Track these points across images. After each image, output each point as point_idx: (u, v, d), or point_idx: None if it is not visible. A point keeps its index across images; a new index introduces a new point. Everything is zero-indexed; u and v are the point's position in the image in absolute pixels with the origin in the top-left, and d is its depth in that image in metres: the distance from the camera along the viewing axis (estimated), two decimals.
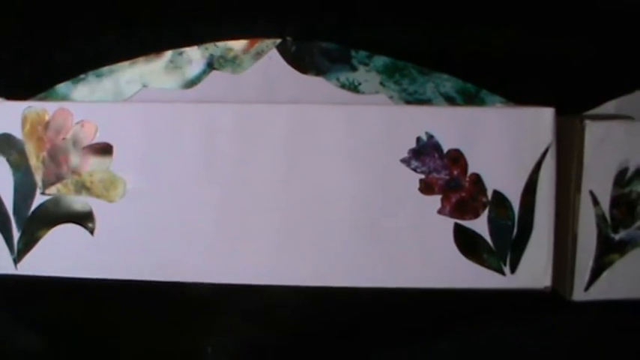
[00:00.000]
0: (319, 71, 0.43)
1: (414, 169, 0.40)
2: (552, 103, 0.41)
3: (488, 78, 0.43)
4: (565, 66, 0.44)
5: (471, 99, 0.43)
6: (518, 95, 0.43)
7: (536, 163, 0.40)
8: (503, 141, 0.40)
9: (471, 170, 0.40)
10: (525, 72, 0.44)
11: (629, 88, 0.43)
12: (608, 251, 0.41)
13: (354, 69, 0.43)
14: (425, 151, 0.40)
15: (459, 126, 0.40)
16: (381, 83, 0.43)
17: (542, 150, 0.40)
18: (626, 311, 0.42)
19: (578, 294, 0.41)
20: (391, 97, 0.43)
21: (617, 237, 0.41)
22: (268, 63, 0.43)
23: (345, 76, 0.43)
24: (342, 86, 0.43)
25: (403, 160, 0.40)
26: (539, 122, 0.40)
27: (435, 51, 0.44)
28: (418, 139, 0.40)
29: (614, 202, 0.41)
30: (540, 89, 0.44)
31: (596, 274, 0.41)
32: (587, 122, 0.40)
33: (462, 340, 0.42)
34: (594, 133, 0.40)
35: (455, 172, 0.40)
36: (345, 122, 0.40)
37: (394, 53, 0.43)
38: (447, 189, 0.40)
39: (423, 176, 0.40)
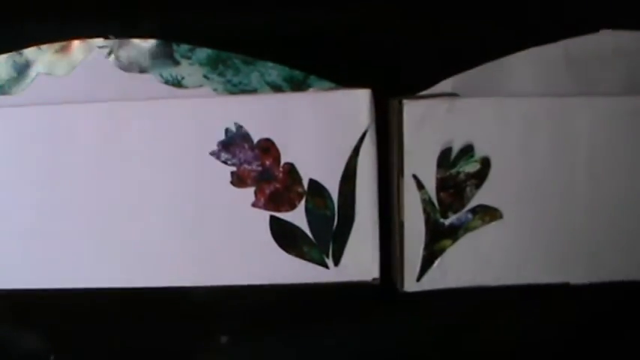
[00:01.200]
0: (142, 68, 0.42)
1: (225, 162, 0.38)
2: (386, 85, 0.39)
3: (319, 63, 0.41)
4: (400, 46, 0.42)
5: (298, 86, 0.41)
6: (351, 79, 0.41)
7: (354, 148, 0.38)
8: (318, 127, 0.38)
9: (284, 160, 0.38)
10: (358, 54, 0.42)
11: (466, 66, 0.41)
12: (438, 238, 0.39)
13: (176, 63, 0.42)
14: (234, 143, 0.38)
15: (269, 114, 0.38)
16: (205, 76, 0.41)
17: (359, 134, 0.38)
18: (462, 300, 0.39)
19: (410, 284, 0.39)
20: (215, 90, 0.41)
21: (446, 222, 0.39)
22: (93, 63, 0.42)
23: (168, 71, 0.42)
24: (166, 82, 0.42)
25: (213, 153, 0.38)
26: (355, 105, 0.38)
27: (260, 39, 0.42)
28: (227, 131, 0.38)
29: (441, 184, 0.38)
30: (374, 72, 0.42)
31: (427, 262, 0.39)
32: (405, 102, 0.38)
33: (291, 339, 0.40)
34: (413, 113, 0.38)
35: (267, 163, 0.38)
36: (153, 118, 0.39)
37: (217, 44, 0.42)
38: (260, 180, 0.38)
39: (234, 169, 0.38)
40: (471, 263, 0.39)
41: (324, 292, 0.39)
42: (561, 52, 0.42)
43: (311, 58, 0.42)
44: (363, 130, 0.38)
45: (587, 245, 0.40)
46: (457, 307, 0.40)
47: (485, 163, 0.38)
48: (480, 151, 0.38)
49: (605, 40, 0.42)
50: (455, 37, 0.42)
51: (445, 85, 0.41)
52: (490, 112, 0.38)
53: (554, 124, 0.39)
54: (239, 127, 0.38)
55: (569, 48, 0.42)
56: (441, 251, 0.39)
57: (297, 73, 0.41)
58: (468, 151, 0.38)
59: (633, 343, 0.42)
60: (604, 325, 0.42)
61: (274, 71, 0.41)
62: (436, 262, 0.39)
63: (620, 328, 0.42)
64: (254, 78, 0.41)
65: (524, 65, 0.41)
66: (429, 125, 0.38)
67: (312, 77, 0.41)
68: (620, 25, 0.43)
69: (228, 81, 0.41)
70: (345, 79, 0.41)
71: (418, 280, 0.39)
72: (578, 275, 0.40)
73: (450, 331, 0.41)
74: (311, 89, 0.39)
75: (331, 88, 0.39)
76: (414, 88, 0.40)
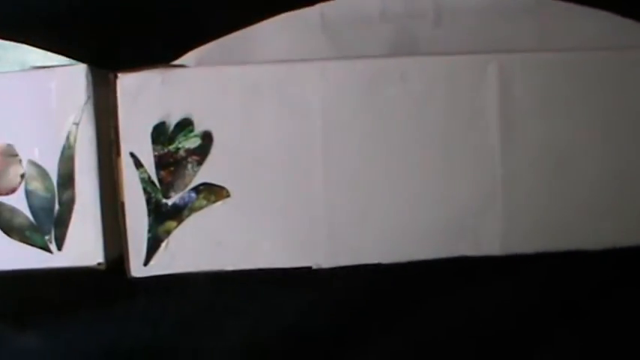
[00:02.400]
0: None
1: None
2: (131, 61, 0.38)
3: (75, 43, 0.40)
4: (144, 20, 0.40)
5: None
6: (97, 55, 0.39)
7: (73, 127, 0.36)
8: (36, 106, 0.37)
9: (1, 140, 0.37)
10: (101, 30, 0.40)
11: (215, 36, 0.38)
12: (162, 219, 0.36)
13: None
14: None
15: None
16: None
17: (77, 112, 0.36)
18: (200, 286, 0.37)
19: (138, 270, 0.37)
20: None
21: (169, 202, 0.36)
22: None
23: None
24: None
25: None
26: (73, 82, 0.36)
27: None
28: None
29: (160, 162, 0.36)
30: (121, 46, 0.40)
31: (153, 245, 0.36)
32: (120, 75, 0.36)
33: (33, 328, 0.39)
34: (127, 86, 0.36)
35: None
36: None
37: None
38: None
39: None
40: (200, 246, 0.36)
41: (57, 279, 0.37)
42: (318, 15, 0.38)
43: (70, 38, 0.40)
44: (80, 108, 0.36)
45: (327, 225, 0.36)
46: (194, 294, 0.38)
47: (207, 137, 0.36)
48: (200, 125, 0.36)
49: (370, 1, 0.38)
50: (204, 6, 0.40)
51: (189, 58, 0.38)
52: (210, 83, 0.36)
53: (281, 94, 0.36)
54: None
55: (326, 12, 0.38)
56: (167, 233, 0.36)
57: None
58: (186, 125, 0.36)
59: (378, 329, 0.38)
60: (352, 312, 0.38)
61: (30, 53, 0.40)
62: (163, 245, 0.36)
63: (368, 312, 0.39)
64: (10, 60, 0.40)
65: (277, 32, 0.39)
66: (144, 99, 0.36)
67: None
68: None
69: None
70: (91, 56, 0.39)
71: (145, 264, 0.37)
72: (319, 258, 0.36)
73: (188, 318, 0.38)
74: (31, 67, 0.38)
75: (52, 66, 0.37)
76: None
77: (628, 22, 0.40)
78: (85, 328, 0.38)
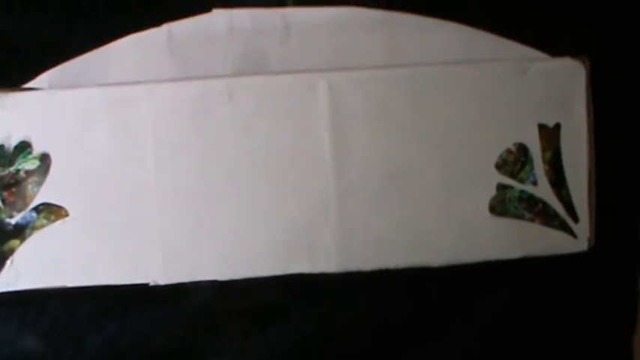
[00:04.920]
0: None
1: None
2: None
3: None
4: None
5: None
6: None
7: None
8: None
9: None
10: None
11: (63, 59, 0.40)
12: (6, 238, 0.38)
13: None
14: None
15: None
16: None
17: None
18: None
19: None
20: None
21: (12, 222, 0.38)
22: None
23: None
24: None
25: None
26: None
27: None
28: None
29: (2, 183, 0.37)
30: None
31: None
32: None
33: None
34: None
35: None
36: None
37: None
38: None
39: None
40: (42, 264, 0.38)
41: None
42: (165, 36, 0.39)
43: None
44: None
45: (162, 243, 0.37)
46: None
47: (45, 159, 0.37)
48: (38, 148, 0.37)
49: (218, 20, 0.39)
50: (57, 28, 0.41)
51: (42, 80, 0.40)
52: (46, 106, 0.37)
53: (112, 116, 0.37)
54: None
55: (174, 31, 0.39)
56: (11, 252, 0.38)
57: None
58: (24, 147, 0.37)
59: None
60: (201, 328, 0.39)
61: None
62: (8, 263, 0.38)
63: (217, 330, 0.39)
64: None
65: (126, 53, 0.39)
66: None
67: None
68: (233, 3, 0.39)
69: None
70: None
71: None
72: (156, 275, 0.37)
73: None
74: None
75: None
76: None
77: (479, 34, 0.39)
78: None
